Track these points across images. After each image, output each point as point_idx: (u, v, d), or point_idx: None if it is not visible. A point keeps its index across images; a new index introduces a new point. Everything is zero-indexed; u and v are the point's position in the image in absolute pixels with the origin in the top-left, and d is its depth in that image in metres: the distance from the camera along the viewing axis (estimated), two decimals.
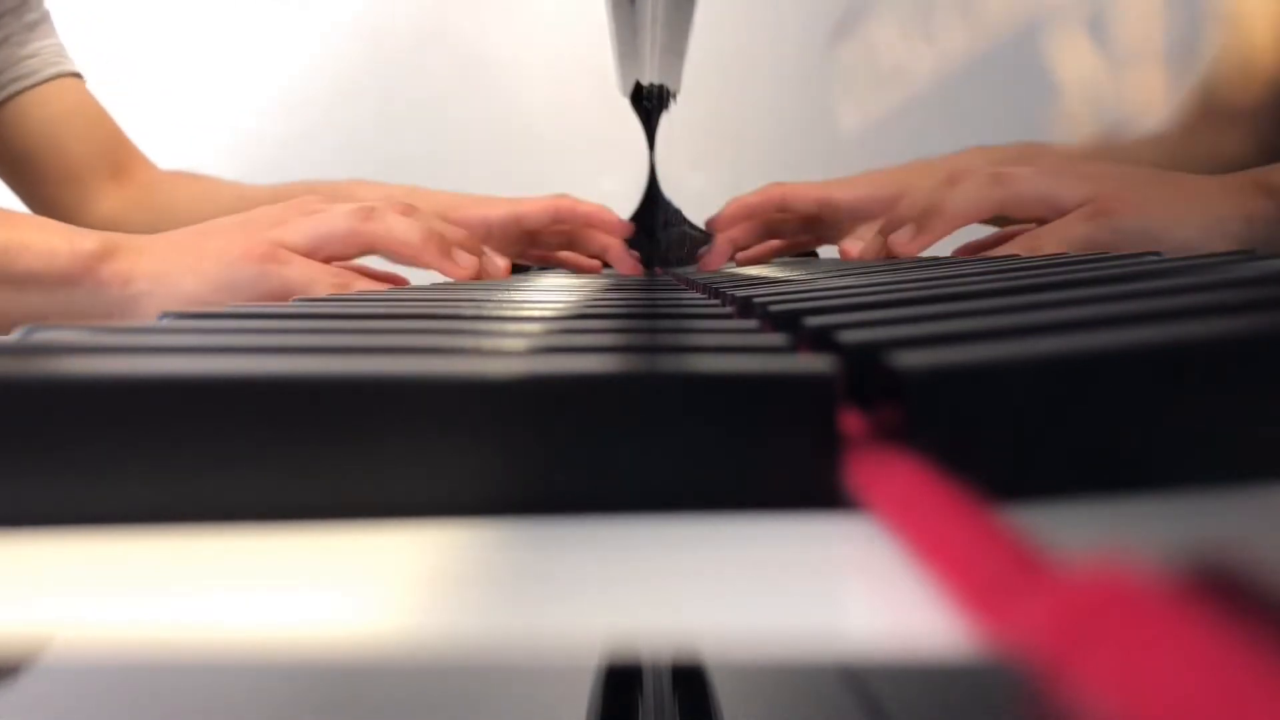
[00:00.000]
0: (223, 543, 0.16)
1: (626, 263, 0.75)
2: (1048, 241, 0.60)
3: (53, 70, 0.97)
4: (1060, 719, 0.09)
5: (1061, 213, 0.61)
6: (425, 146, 1.47)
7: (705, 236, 1.04)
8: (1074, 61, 0.53)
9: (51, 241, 0.62)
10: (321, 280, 0.64)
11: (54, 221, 0.65)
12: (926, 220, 0.65)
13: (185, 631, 0.13)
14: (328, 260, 0.66)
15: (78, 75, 0.99)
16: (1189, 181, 0.59)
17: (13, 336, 0.26)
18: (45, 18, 0.99)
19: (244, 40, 1.47)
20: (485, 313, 0.35)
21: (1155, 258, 0.42)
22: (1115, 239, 0.58)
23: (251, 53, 1.47)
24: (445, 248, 0.69)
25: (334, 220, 0.66)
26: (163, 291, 0.62)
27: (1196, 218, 0.57)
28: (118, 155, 0.97)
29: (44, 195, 0.92)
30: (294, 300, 0.46)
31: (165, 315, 0.32)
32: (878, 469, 0.17)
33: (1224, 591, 0.10)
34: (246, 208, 0.71)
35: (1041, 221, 0.62)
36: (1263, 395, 0.17)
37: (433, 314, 0.35)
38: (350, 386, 0.17)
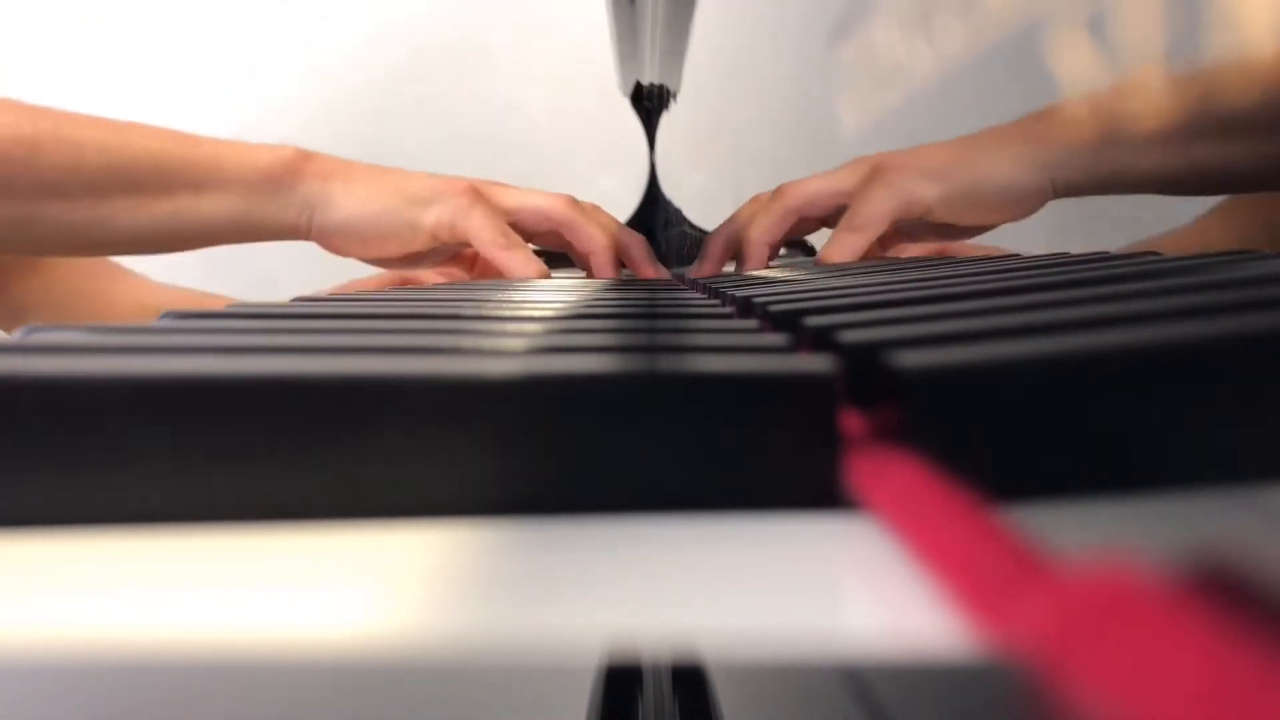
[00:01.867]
0: (222, 543, 0.16)
1: (606, 269, 0.74)
2: (859, 218, 0.65)
3: None
4: (1060, 719, 0.09)
5: (849, 195, 0.66)
6: (425, 147, 1.47)
7: (705, 237, 1.04)
8: (1074, 61, 0.53)
9: (253, 150, 0.67)
10: (491, 232, 0.67)
11: (245, 141, 0.69)
12: (746, 252, 0.70)
13: (185, 631, 0.13)
14: (517, 228, 0.70)
15: None
16: (981, 134, 0.65)
17: (13, 337, 0.26)
18: None
19: (242, 40, 1.47)
20: (485, 313, 0.35)
21: (1155, 257, 0.42)
22: (911, 192, 0.64)
23: (250, 52, 1.47)
24: (616, 261, 0.72)
25: (538, 196, 0.71)
26: (357, 196, 0.67)
27: (980, 154, 0.63)
28: None
29: None
30: (293, 300, 0.46)
31: (166, 315, 0.32)
32: (878, 469, 0.17)
33: (1224, 591, 0.10)
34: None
35: (842, 210, 0.67)
36: (1263, 395, 0.17)
37: (433, 314, 0.35)
38: (350, 386, 0.17)
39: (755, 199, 0.73)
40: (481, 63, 1.46)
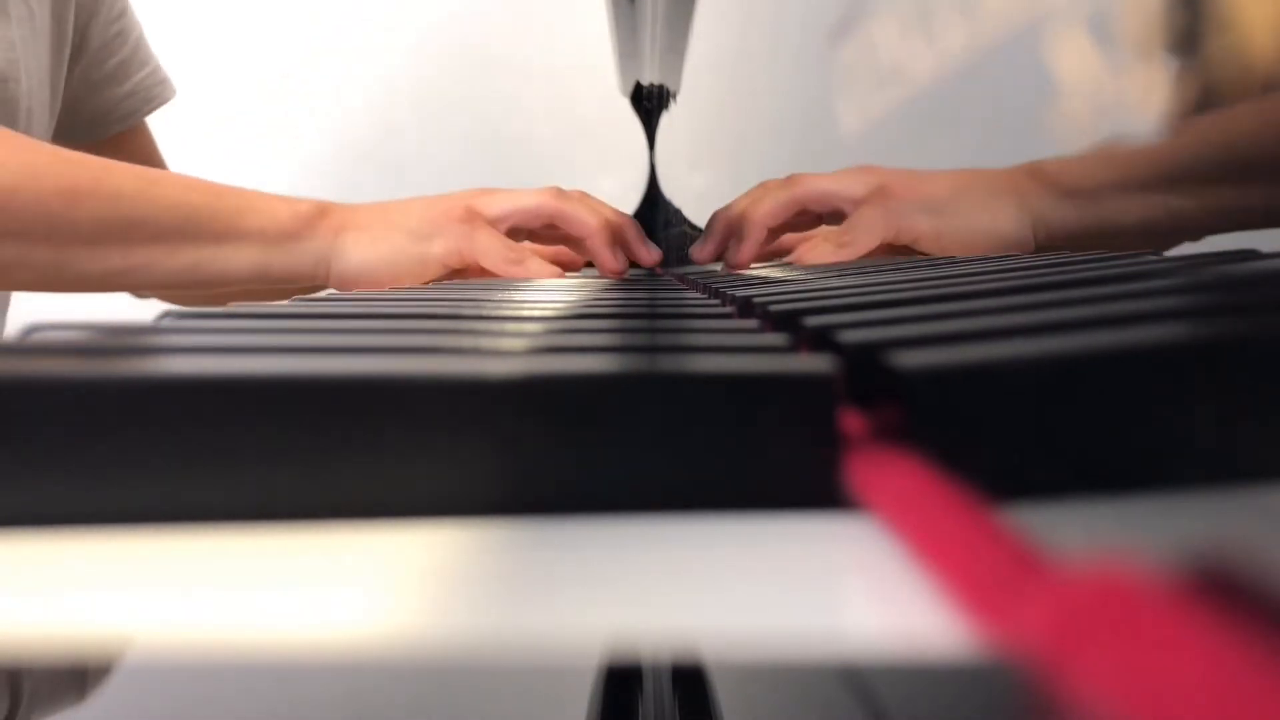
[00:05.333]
0: (222, 543, 0.16)
1: (607, 261, 0.76)
2: (850, 234, 0.68)
3: (148, 109, 0.99)
4: (1060, 719, 0.09)
5: (853, 203, 0.69)
6: (425, 147, 1.47)
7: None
8: (1074, 61, 0.53)
9: (274, 205, 0.71)
10: (499, 251, 0.72)
11: (268, 192, 0.73)
12: (745, 230, 0.73)
13: (185, 631, 0.13)
14: (513, 230, 0.74)
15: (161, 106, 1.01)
16: (971, 172, 0.69)
17: (13, 336, 0.26)
18: (140, 42, 0.98)
19: (242, 39, 1.47)
20: (485, 313, 0.35)
21: (1154, 257, 0.42)
22: (906, 221, 0.67)
23: (243, 49, 1.47)
24: (612, 241, 0.75)
25: (525, 195, 0.75)
26: (365, 242, 0.71)
27: (974, 197, 0.67)
28: None
29: None
30: (293, 300, 0.46)
31: (166, 315, 0.32)
32: (878, 469, 0.17)
33: (1224, 591, 0.10)
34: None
35: (841, 214, 0.70)
36: (1262, 395, 0.17)
37: (433, 314, 0.35)
38: (350, 386, 0.17)
39: (764, 185, 0.75)
40: (481, 63, 1.46)
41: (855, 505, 0.17)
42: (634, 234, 0.78)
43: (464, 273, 0.77)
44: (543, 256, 0.78)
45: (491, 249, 0.72)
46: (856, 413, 0.19)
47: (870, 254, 0.72)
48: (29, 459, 0.17)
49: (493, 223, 0.74)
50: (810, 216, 0.73)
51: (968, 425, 0.17)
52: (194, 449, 0.17)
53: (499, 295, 0.46)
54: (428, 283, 0.73)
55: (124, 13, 0.97)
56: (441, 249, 0.72)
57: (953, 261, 0.55)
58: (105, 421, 0.17)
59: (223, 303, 0.78)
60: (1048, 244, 0.66)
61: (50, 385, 0.17)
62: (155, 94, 1.00)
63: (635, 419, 0.17)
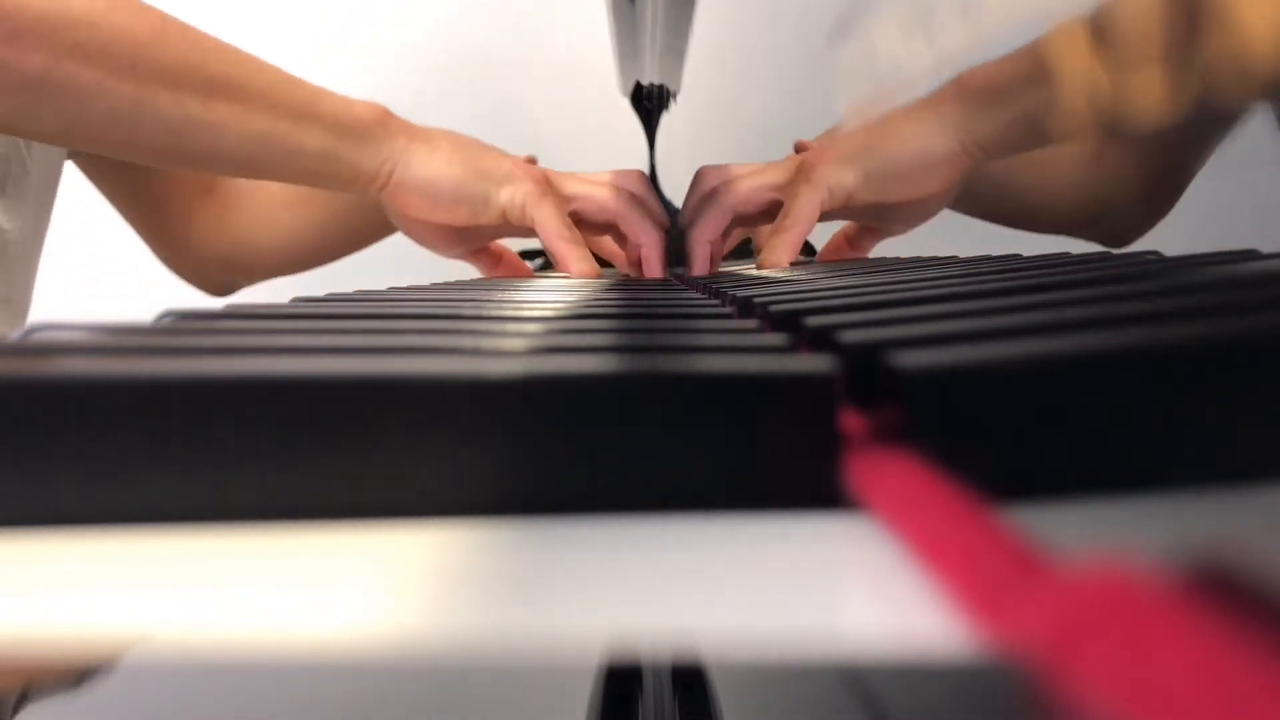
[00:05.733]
0: (222, 543, 0.16)
1: (655, 271, 0.76)
2: (789, 218, 0.68)
3: None
4: (1060, 719, 0.09)
5: (782, 189, 0.70)
6: None
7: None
8: (1074, 61, 0.53)
9: (346, 99, 0.70)
10: (558, 228, 0.71)
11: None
12: (690, 253, 0.73)
13: (185, 631, 0.13)
14: (573, 216, 0.73)
15: None
16: (894, 111, 0.68)
17: (13, 337, 0.26)
18: None
19: (237, 37, 1.47)
20: (485, 313, 0.35)
21: (1155, 258, 0.42)
22: (834, 182, 0.67)
23: (244, 48, 1.47)
24: (663, 257, 0.75)
25: (597, 187, 0.75)
26: (438, 158, 0.70)
27: (890, 132, 0.67)
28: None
29: (154, 222, 0.92)
30: (294, 300, 0.46)
31: (166, 315, 0.32)
32: (878, 469, 0.17)
33: (1224, 591, 0.10)
34: (329, 212, 0.83)
35: (776, 209, 0.70)
36: (1263, 395, 0.17)
37: (433, 314, 0.35)
38: (350, 386, 0.17)
39: (694, 187, 0.75)
40: (481, 63, 1.46)
41: (855, 505, 0.17)
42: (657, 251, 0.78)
43: (481, 255, 0.76)
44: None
45: (553, 217, 0.71)
46: (856, 413, 0.19)
47: (852, 237, 0.72)
48: (29, 459, 0.17)
49: (564, 200, 0.73)
50: (752, 218, 0.73)
51: (967, 425, 0.17)
52: (194, 449, 0.17)
53: (499, 295, 0.46)
54: (471, 228, 0.72)
55: None
56: (507, 198, 0.71)
57: (953, 261, 0.55)
58: (105, 421, 0.17)
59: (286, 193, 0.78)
60: (979, 155, 0.65)
61: (50, 385, 0.17)
62: None
63: (635, 419, 0.17)
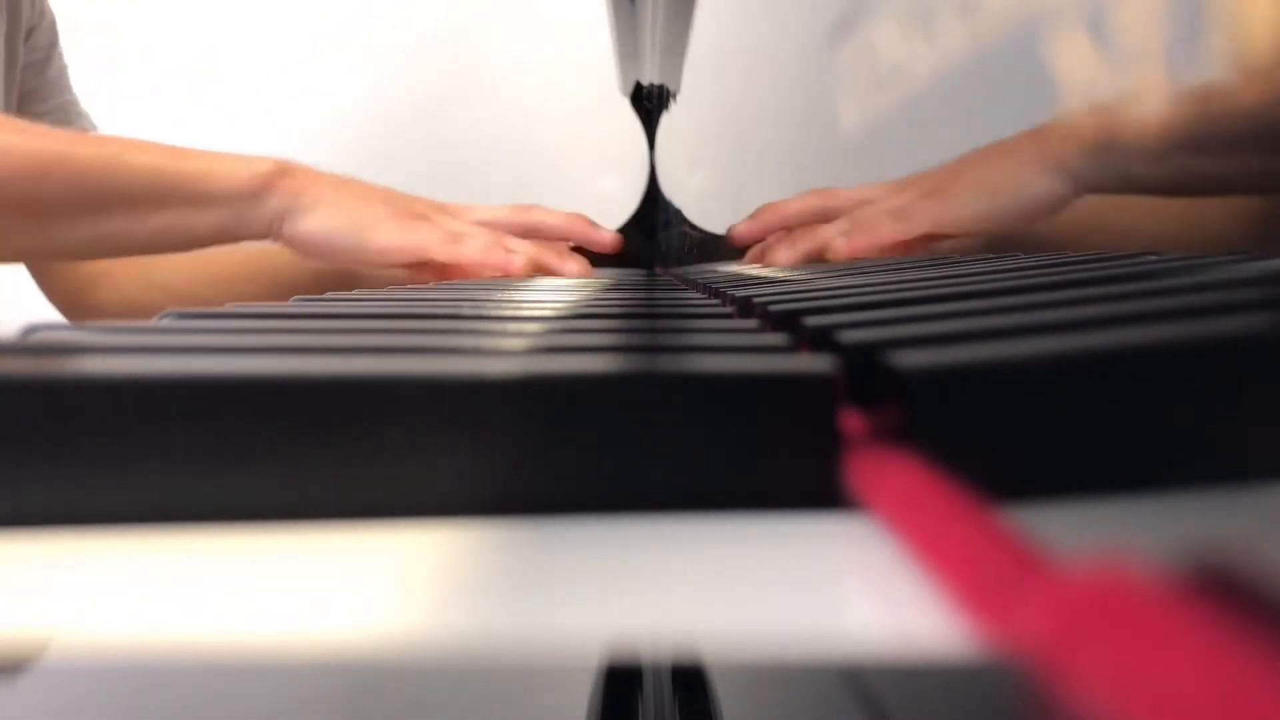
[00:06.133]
0: (223, 543, 0.16)
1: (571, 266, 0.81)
2: (912, 210, 0.68)
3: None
4: (1060, 719, 0.09)
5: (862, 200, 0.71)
6: (425, 147, 1.47)
7: (705, 236, 1.04)
8: (1074, 61, 0.54)
9: (234, 167, 0.74)
10: (441, 244, 0.76)
11: (229, 153, 0.77)
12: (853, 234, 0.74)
13: (185, 631, 0.13)
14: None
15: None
16: (992, 148, 0.67)
17: (12, 336, 0.26)
18: (64, 73, 1.00)
19: (239, 37, 1.47)
20: (485, 313, 0.35)
21: (1155, 257, 0.42)
22: (954, 210, 0.67)
23: (246, 48, 1.47)
24: (587, 227, 0.83)
25: (498, 208, 0.82)
26: (325, 209, 0.75)
27: (1004, 169, 0.65)
28: None
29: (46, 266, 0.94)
30: (294, 300, 0.46)
31: (165, 315, 0.32)
32: (878, 469, 0.17)
33: (1224, 591, 0.10)
34: (228, 270, 0.87)
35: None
36: (1263, 395, 0.17)
37: (433, 314, 0.35)
38: (350, 386, 0.17)
39: (812, 199, 0.77)
40: (482, 63, 1.46)
41: (855, 505, 0.17)
42: (584, 228, 0.85)
43: (422, 271, 0.80)
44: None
45: (432, 237, 0.76)
46: (856, 413, 0.19)
47: (911, 245, 0.73)
48: (29, 459, 0.17)
49: (453, 234, 0.78)
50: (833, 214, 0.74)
51: (967, 425, 0.17)
52: (193, 449, 0.17)
53: (499, 295, 0.46)
54: (376, 270, 0.77)
55: (54, 43, 0.98)
56: (384, 238, 0.76)
57: (953, 261, 0.55)
58: (105, 421, 0.17)
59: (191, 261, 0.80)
60: (1075, 196, 0.66)
61: (50, 385, 0.17)
62: (71, 120, 1.00)
63: (635, 419, 0.17)
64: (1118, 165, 0.61)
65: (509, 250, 0.77)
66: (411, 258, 0.77)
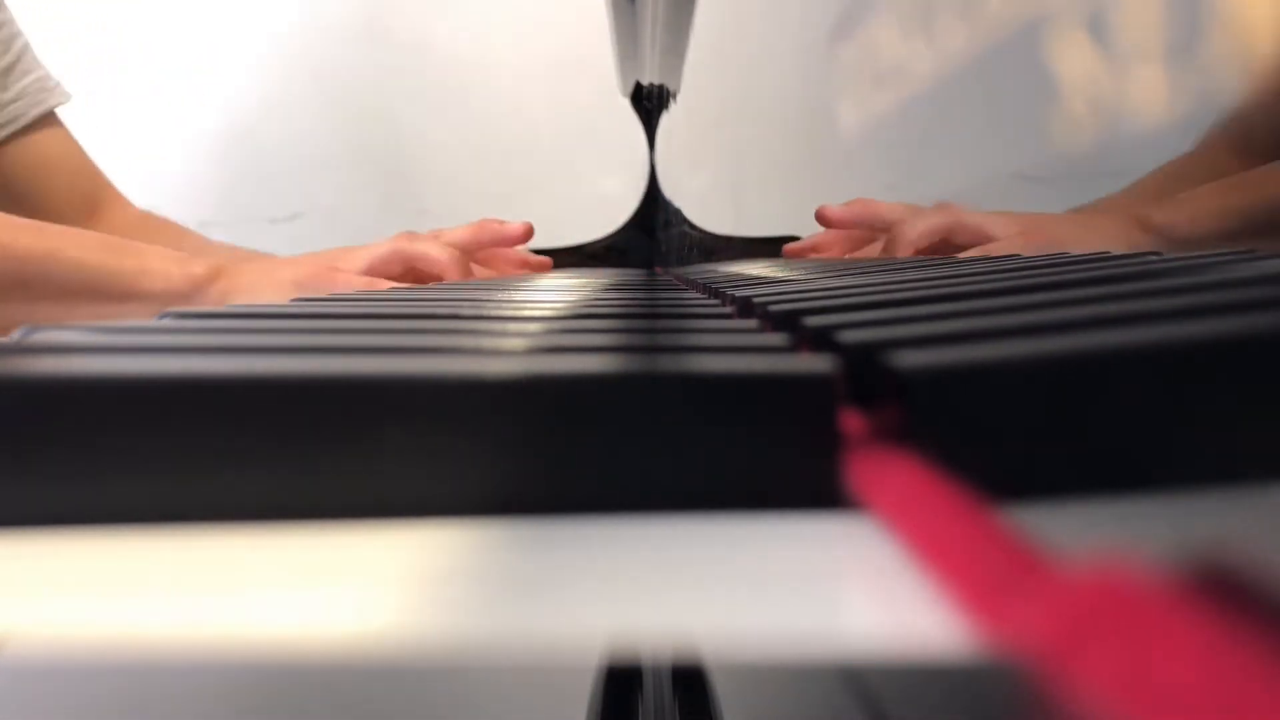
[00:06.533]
0: (223, 543, 0.16)
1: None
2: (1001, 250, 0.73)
3: (36, 112, 1.02)
4: (1060, 719, 0.09)
5: (990, 240, 0.75)
6: (425, 147, 1.47)
7: (705, 236, 1.04)
8: (1074, 61, 0.54)
9: (169, 268, 0.76)
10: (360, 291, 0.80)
11: (166, 250, 0.80)
12: (895, 245, 0.80)
13: (185, 632, 0.13)
14: (375, 277, 0.83)
15: (57, 108, 1.02)
16: (1087, 218, 0.75)
17: (13, 336, 0.26)
18: (25, 51, 1.01)
19: (239, 37, 1.47)
20: (485, 313, 0.35)
21: (1155, 257, 0.42)
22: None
23: (244, 48, 1.47)
24: (466, 268, 0.87)
25: (379, 246, 0.85)
26: (241, 297, 0.77)
27: (1099, 238, 0.70)
28: (97, 197, 1.07)
29: None
30: (293, 300, 0.46)
31: (165, 314, 0.32)
32: (878, 469, 0.17)
33: (1224, 591, 0.10)
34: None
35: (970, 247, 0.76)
36: (1263, 395, 0.17)
37: (433, 314, 0.35)
38: (350, 386, 0.17)
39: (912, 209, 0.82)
40: (482, 63, 1.46)
41: (855, 505, 0.17)
42: (493, 229, 0.91)
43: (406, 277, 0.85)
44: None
45: (349, 288, 0.79)
46: (856, 413, 0.19)
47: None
48: (28, 459, 0.17)
49: (355, 274, 0.82)
50: (951, 247, 0.79)
51: (967, 425, 0.17)
52: (193, 449, 0.17)
53: (499, 295, 0.46)
54: None
55: (4, 23, 0.99)
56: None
57: (953, 262, 0.55)
58: (105, 421, 0.17)
59: None
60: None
61: (50, 385, 0.17)
62: (42, 98, 1.02)
63: (635, 419, 0.17)
64: (1191, 225, 0.64)
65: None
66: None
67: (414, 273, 0.87)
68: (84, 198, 1.05)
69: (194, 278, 0.76)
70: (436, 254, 0.86)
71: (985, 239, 0.76)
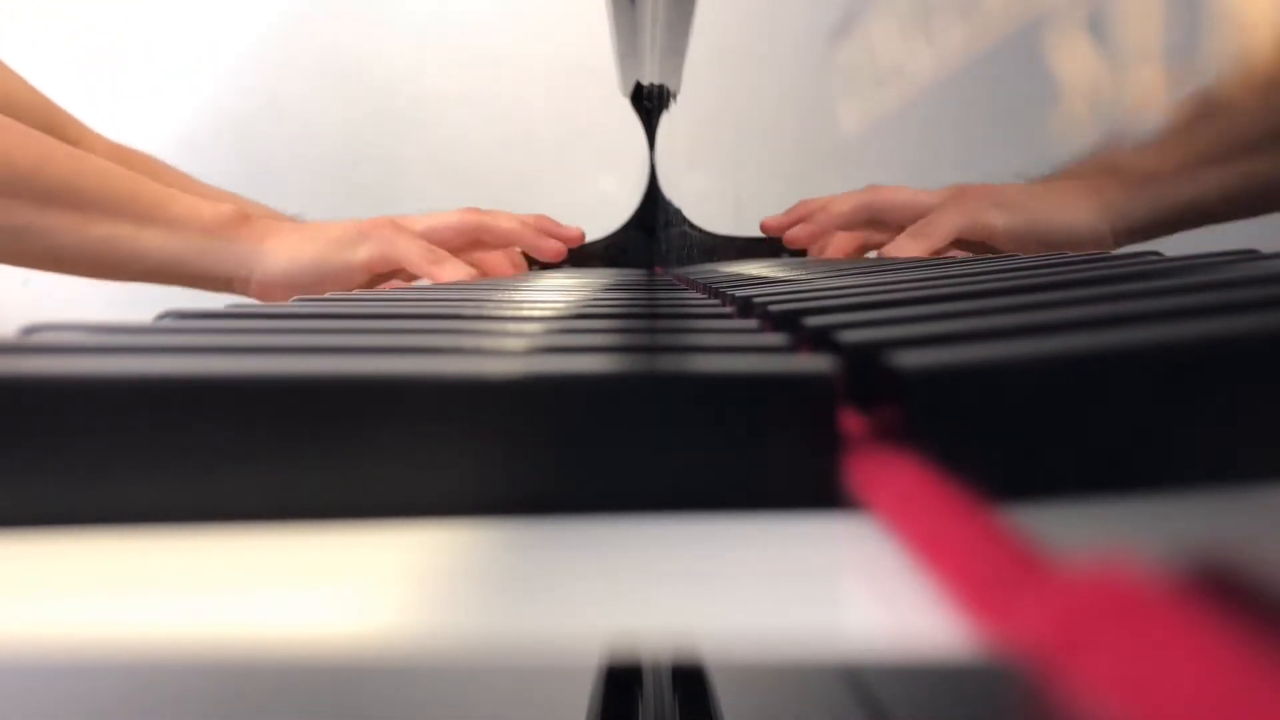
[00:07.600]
0: (223, 543, 0.16)
1: (548, 248, 0.87)
2: (927, 226, 0.72)
3: None
4: (1060, 719, 0.09)
5: (930, 208, 0.74)
6: (425, 147, 1.47)
7: (705, 236, 1.04)
8: (1074, 61, 0.54)
9: (196, 201, 0.74)
10: (420, 253, 0.78)
11: (190, 196, 0.76)
12: (816, 219, 0.82)
13: (184, 631, 0.13)
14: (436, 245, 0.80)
15: None
16: (1053, 180, 0.71)
17: (12, 336, 0.26)
18: None
19: (238, 37, 1.47)
20: (485, 313, 0.35)
21: (1155, 257, 0.42)
22: (982, 216, 0.71)
23: (244, 48, 1.47)
24: (540, 233, 0.85)
25: (447, 214, 0.83)
26: (290, 248, 0.75)
27: (1049, 197, 0.69)
28: (60, 134, 1.00)
29: None
30: (294, 300, 0.46)
31: (165, 315, 0.32)
32: (878, 469, 0.17)
33: (1224, 591, 0.10)
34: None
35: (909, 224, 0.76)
36: (1263, 395, 0.17)
37: (433, 314, 0.35)
38: (350, 386, 0.17)
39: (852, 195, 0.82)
40: (482, 63, 1.46)
41: (855, 505, 0.17)
42: (550, 224, 0.88)
43: (387, 278, 0.82)
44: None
45: (413, 249, 0.77)
46: (856, 413, 0.19)
47: (945, 250, 0.76)
48: (29, 459, 0.17)
49: (415, 235, 0.80)
50: (886, 228, 0.78)
51: (967, 425, 0.17)
52: (193, 449, 0.17)
53: (499, 295, 0.46)
54: (355, 289, 0.78)
55: None
56: (366, 254, 0.77)
57: (953, 262, 0.55)
58: (105, 421, 0.17)
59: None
60: (1126, 238, 0.67)
61: (50, 385, 0.17)
62: None
63: (635, 419, 0.17)
64: (1169, 200, 0.63)
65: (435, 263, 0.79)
66: (395, 266, 0.79)
67: (479, 245, 0.84)
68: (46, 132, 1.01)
69: (223, 216, 0.74)
70: (506, 222, 0.84)
71: (918, 211, 0.76)
